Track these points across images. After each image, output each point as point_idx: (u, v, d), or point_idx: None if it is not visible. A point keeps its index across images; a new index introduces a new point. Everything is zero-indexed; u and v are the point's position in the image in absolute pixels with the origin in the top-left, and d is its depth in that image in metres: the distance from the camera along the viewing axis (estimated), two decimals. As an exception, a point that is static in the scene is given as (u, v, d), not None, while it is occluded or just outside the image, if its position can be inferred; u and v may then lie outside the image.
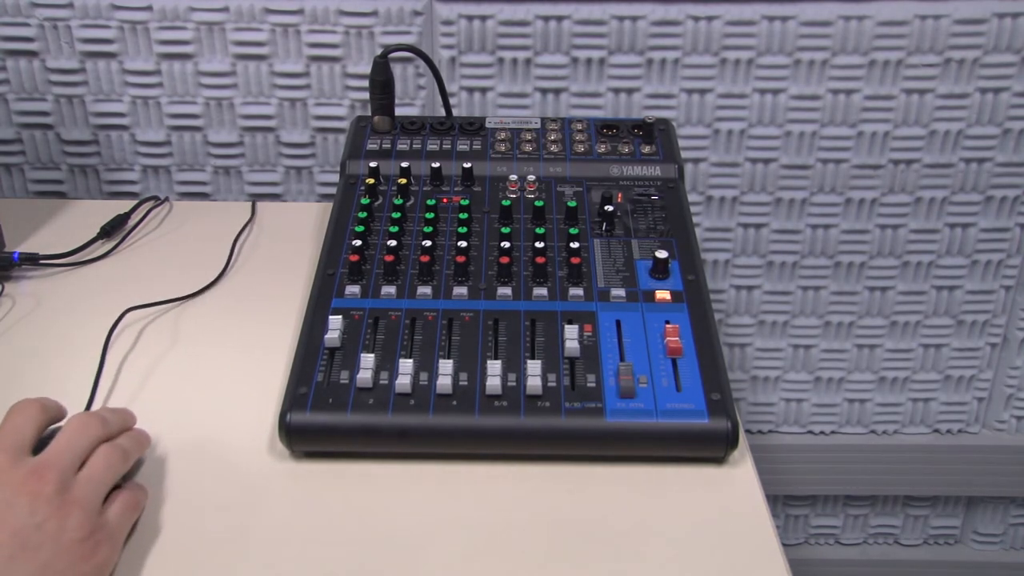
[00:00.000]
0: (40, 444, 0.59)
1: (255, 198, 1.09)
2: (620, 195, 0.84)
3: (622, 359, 0.69)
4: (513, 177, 0.85)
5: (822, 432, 1.26)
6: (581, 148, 0.88)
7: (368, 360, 0.67)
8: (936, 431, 1.26)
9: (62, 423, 0.61)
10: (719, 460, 0.66)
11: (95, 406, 0.71)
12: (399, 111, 0.93)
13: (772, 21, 1.01)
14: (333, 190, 0.95)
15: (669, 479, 0.65)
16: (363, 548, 0.60)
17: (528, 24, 1.01)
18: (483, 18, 1.01)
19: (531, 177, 0.85)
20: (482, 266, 0.76)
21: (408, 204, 0.83)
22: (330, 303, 0.73)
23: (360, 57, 1.03)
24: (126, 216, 0.94)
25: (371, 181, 0.84)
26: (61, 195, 1.10)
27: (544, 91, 1.05)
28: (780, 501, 1.32)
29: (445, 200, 0.83)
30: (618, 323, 0.71)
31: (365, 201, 0.82)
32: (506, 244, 0.77)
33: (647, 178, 0.86)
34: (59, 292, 0.84)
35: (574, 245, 0.77)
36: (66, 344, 0.78)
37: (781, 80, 1.05)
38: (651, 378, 0.67)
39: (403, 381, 0.66)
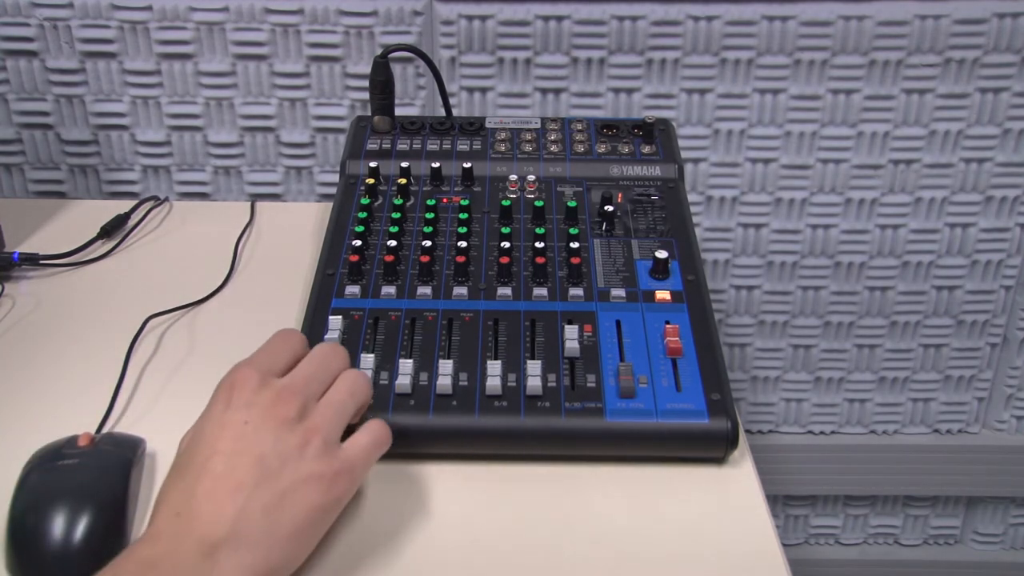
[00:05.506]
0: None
1: (255, 198, 1.09)
2: (620, 195, 0.83)
3: (622, 359, 0.69)
4: (513, 177, 0.85)
5: (822, 432, 1.26)
6: (581, 148, 0.88)
7: (368, 360, 0.67)
8: (936, 431, 1.26)
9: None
10: (719, 460, 0.66)
11: (114, 412, 0.70)
12: (399, 111, 0.93)
13: (772, 21, 1.01)
14: (333, 190, 0.95)
15: (669, 479, 0.65)
16: (362, 548, 0.60)
17: (528, 24, 1.01)
18: (483, 18, 1.01)
19: (531, 177, 0.85)
20: (482, 266, 0.76)
21: (408, 204, 0.83)
22: (330, 303, 0.73)
23: (360, 57, 1.03)
24: (126, 216, 0.94)
25: (371, 181, 0.84)
26: (61, 195, 1.10)
27: (544, 91, 1.05)
28: (780, 501, 1.32)
29: (445, 200, 0.83)
30: (618, 323, 0.71)
31: (365, 201, 0.82)
32: (506, 244, 0.77)
33: (647, 178, 0.86)
34: (59, 292, 0.84)
35: (574, 245, 0.77)
36: (66, 344, 0.78)
37: (781, 80, 1.05)
38: (651, 378, 0.67)
39: (403, 381, 0.66)
